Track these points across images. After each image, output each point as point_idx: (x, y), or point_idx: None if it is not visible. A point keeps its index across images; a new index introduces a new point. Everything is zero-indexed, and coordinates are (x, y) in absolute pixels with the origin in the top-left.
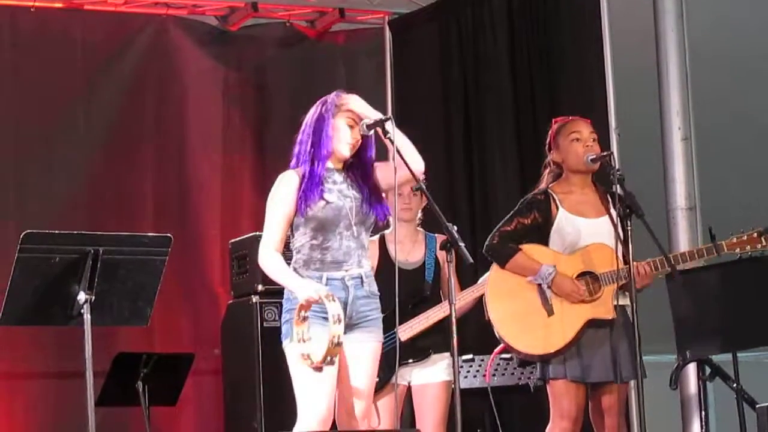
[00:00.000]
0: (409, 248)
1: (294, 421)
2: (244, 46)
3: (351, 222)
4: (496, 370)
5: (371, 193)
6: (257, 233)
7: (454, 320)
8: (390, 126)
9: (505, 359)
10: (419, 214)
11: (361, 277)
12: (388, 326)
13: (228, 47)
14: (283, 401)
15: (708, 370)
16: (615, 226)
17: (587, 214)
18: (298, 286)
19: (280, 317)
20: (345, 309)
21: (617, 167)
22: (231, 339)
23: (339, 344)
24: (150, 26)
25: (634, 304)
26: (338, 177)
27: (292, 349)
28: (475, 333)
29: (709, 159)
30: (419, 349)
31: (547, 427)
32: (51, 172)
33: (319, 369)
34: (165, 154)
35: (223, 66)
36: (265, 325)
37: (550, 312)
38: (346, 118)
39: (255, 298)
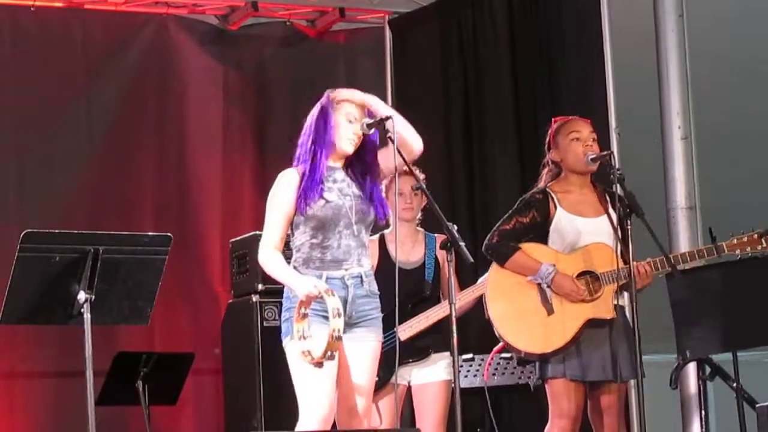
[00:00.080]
0: (409, 248)
1: (294, 420)
2: (245, 45)
3: (351, 221)
4: (496, 369)
5: (372, 191)
6: (257, 232)
7: (454, 320)
8: (390, 125)
9: (505, 358)
10: (419, 214)
11: (361, 276)
12: (388, 326)
13: (228, 46)
14: (283, 401)
15: (708, 370)
16: (614, 225)
17: (586, 213)
18: (297, 283)
19: (280, 316)
20: (345, 308)
21: (617, 167)
22: (231, 338)
23: (339, 338)
24: (150, 25)
25: (635, 304)
26: (338, 175)
27: (292, 347)
28: (476, 332)
29: (709, 158)
30: (419, 348)
31: (546, 427)
32: (51, 172)
33: (319, 364)
34: (165, 153)
35: (223, 65)
36: (265, 324)
37: (549, 311)
38: (345, 113)
39: (255, 298)
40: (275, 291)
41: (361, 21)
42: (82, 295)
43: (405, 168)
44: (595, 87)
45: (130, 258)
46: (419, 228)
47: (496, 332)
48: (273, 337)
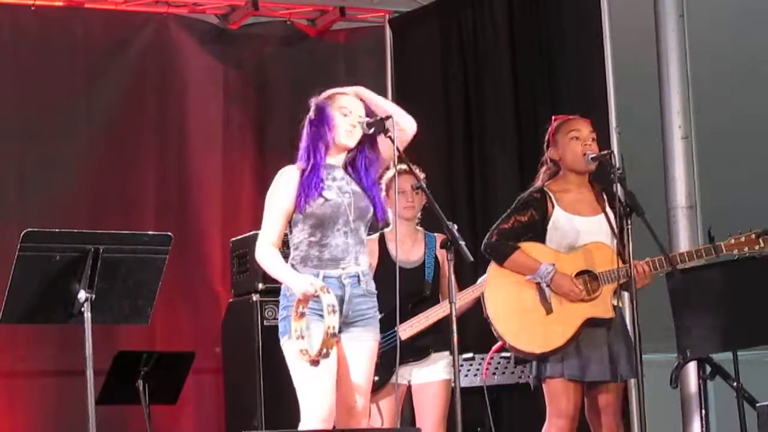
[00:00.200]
0: (409, 247)
1: (294, 419)
2: (245, 44)
3: (349, 218)
4: (496, 368)
5: (371, 189)
6: (258, 232)
7: (454, 319)
8: (390, 124)
9: (505, 358)
10: (419, 213)
11: (358, 276)
12: (388, 325)
13: (228, 46)
14: (284, 399)
15: (708, 369)
16: (611, 224)
17: (583, 212)
18: (294, 281)
19: None
20: (341, 307)
21: (618, 166)
22: (231, 337)
23: (334, 335)
24: (150, 25)
25: (635, 303)
26: (337, 173)
27: (290, 347)
28: (476, 332)
29: (709, 157)
30: (419, 348)
31: (544, 426)
32: (52, 170)
33: (315, 363)
34: (165, 152)
35: (223, 64)
36: (265, 323)
37: (548, 310)
38: (338, 107)
39: (255, 297)
40: (276, 290)
41: (362, 20)
42: (82, 294)
43: (405, 167)
44: (595, 86)
45: (131, 257)
46: (419, 227)
47: (494, 331)
48: (273, 336)
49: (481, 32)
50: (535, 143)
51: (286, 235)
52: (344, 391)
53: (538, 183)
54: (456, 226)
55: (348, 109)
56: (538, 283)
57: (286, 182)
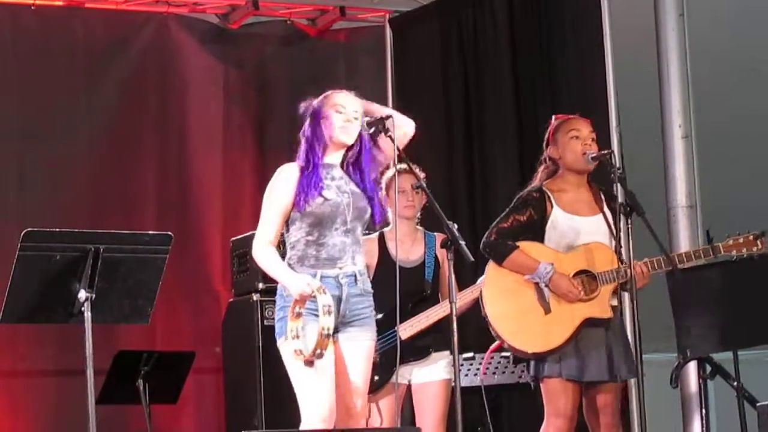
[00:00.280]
0: (409, 246)
1: (294, 418)
2: (245, 44)
3: (347, 218)
4: (496, 368)
5: (370, 190)
6: None
7: (454, 318)
8: (390, 124)
9: (506, 357)
10: (419, 213)
11: (355, 275)
12: (388, 325)
13: (229, 45)
14: (284, 399)
15: (709, 369)
16: (609, 224)
17: (581, 212)
18: (291, 281)
19: None
20: (339, 307)
21: (618, 166)
22: (232, 337)
23: (328, 336)
24: (150, 24)
25: (635, 303)
26: (336, 173)
27: (286, 347)
28: (476, 331)
29: (709, 157)
30: (419, 348)
31: (542, 426)
32: (52, 170)
33: (310, 363)
34: (166, 152)
35: (223, 64)
36: (265, 323)
37: (547, 310)
38: (332, 105)
39: (256, 296)
40: (276, 290)
41: (362, 20)
42: (82, 294)
43: (405, 166)
44: (595, 86)
45: (131, 257)
46: (419, 227)
47: (492, 331)
48: (273, 335)
49: (481, 32)
50: (535, 143)
51: (282, 233)
52: (342, 391)
53: (536, 182)
54: (456, 226)
55: (342, 106)
56: (537, 283)
57: (285, 180)
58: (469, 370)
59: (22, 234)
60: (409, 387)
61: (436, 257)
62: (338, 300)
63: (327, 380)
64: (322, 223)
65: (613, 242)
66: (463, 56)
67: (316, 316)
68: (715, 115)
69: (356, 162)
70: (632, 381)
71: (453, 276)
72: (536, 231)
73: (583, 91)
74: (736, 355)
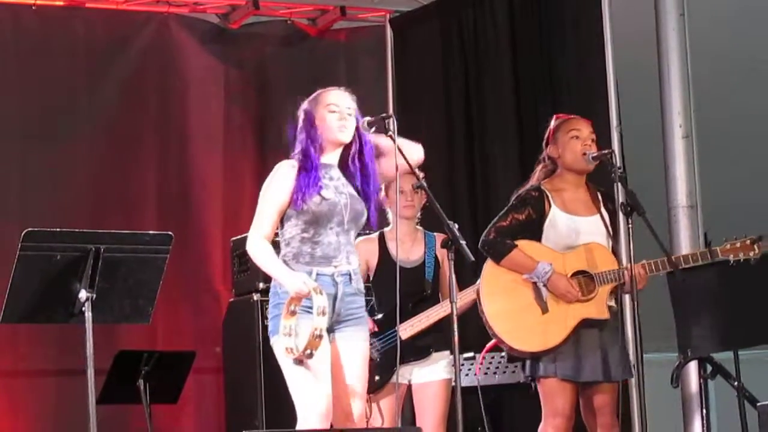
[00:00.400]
0: (409, 246)
1: (295, 418)
2: (246, 44)
3: (344, 219)
4: (497, 368)
5: (367, 194)
6: None
7: (455, 318)
8: (391, 123)
9: (506, 357)
10: (419, 212)
11: (350, 274)
12: (389, 325)
13: (229, 45)
14: (284, 399)
15: (709, 368)
16: (606, 225)
17: (579, 212)
18: (287, 279)
19: None
20: (334, 305)
21: (618, 165)
22: (232, 337)
23: (320, 337)
24: (151, 24)
25: (635, 303)
26: (334, 173)
27: (279, 345)
28: (476, 331)
29: (710, 157)
30: (420, 347)
31: (540, 426)
32: (52, 170)
33: (300, 361)
34: (166, 152)
35: (224, 64)
36: (266, 323)
37: (544, 310)
38: (325, 105)
39: (256, 296)
40: None
41: (362, 20)
42: (83, 294)
43: (406, 167)
44: (595, 86)
45: (131, 257)
46: (419, 227)
47: (489, 330)
48: None
49: (481, 32)
50: (535, 143)
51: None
52: (340, 393)
53: (533, 181)
54: (457, 226)
55: (335, 104)
56: (535, 283)
57: (283, 176)
58: (469, 370)
59: (22, 234)
60: (409, 387)
61: (436, 257)
62: (333, 298)
63: (323, 376)
64: (319, 222)
65: (611, 243)
66: (463, 56)
67: (310, 313)
68: (716, 115)
69: (359, 158)
70: (632, 381)
71: (453, 276)
72: (535, 230)
73: (583, 91)
74: (736, 355)
